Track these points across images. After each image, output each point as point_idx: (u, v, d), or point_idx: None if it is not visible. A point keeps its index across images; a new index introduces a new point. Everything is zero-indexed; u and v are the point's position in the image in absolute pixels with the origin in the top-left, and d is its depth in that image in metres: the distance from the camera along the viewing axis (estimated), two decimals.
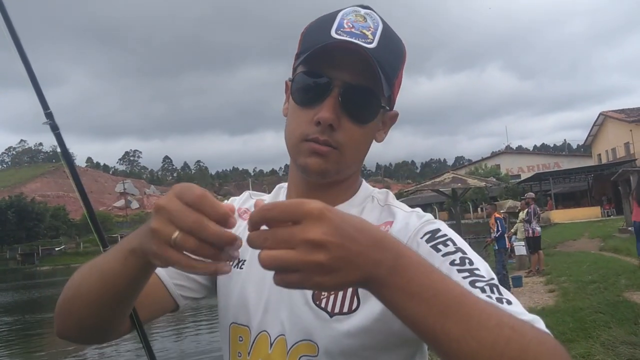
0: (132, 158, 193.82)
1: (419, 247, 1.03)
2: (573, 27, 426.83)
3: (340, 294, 1.07)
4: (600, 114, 56.12)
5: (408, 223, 1.11)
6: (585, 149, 64.10)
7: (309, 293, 1.09)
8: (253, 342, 1.13)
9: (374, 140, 1.17)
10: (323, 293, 1.08)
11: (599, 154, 59.03)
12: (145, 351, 1.12)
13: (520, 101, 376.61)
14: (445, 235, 1.04)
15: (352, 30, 1.05)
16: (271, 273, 1.13)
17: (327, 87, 1.05)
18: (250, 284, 1.16)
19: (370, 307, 1.03)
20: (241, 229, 1.23)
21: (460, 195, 19.80)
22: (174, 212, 0.75)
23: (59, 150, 0.96)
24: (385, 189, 1.25)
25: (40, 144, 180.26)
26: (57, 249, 72.75)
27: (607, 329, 7.34)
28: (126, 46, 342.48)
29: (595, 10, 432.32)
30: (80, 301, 1.01)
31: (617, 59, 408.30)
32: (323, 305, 1.07)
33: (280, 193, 1.29)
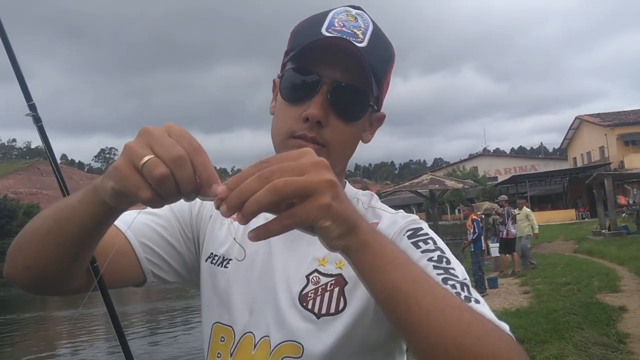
0: (107, 155, 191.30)
1: (401, 242, 1.05)
2: (547, 31, 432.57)
3: (327, 295, 1.08)
4: (577, 117, 56.88)
5: (395, 221, 1.12)
6: (561, 152, 64.97)
7: (295, 295, 1.09)
8: (237, 344, 1.12)
9: (360, 141, 1.17)
10: (310, 295, 1.08)
11: (575, 158, 59.80)
12: (110, 318, 1.05)
13: (496, 103, 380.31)
14: (426, 234, 1.07)
15: (343, 29, 1.06)
16: (258, 273, 1.14)
17: (316, 84, 1.05)
18: (235, 284, 1.15)
19: (357, 306, 1.05)
20: (225, 226, 1.22)
21: (438, 196, 19.99)
22: (159, 140, 0.71)
23: (41, 144, 0.94)
24: (369, 192, 1.26)
25: (14, 140, 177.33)
26: None
27: (579, 330, 7.44)
28: (96, 41, 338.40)
29: (567, 15, 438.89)
30: (32, 236, 0.95)
31: (591, 63, 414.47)
32: (310, 306, 1.08)
33: None
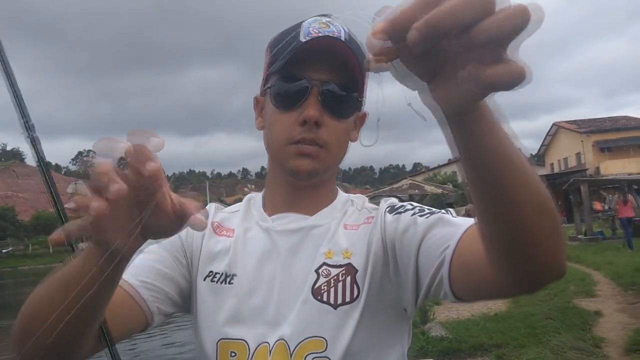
0: (85, 158, 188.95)
1: (385, 219, 1.12)
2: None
3: (340, 285, 1.10)
4: (554, 124, 57.60)
5: (378, 208, 1.19)
6: (538, 158, 65.71)
7: (308, 290, 1.10)
8: (252, 355, 1.09)
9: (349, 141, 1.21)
10: (323, 287, 1.10)
11: (552, 163, 60.47)
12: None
13: None
14: (402, 204, 1.16)
15: (319, 35, 1.09)
16: (266, 282, 1.13)
17: (307, 88, 1.09)
18: (244, 298, 1.13)
19: (370, 292, 1.09)
20: (220, 243, 1.21)
21: (417, 201, 20.04)
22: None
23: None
24: (361, 194, 1.31)
25: None
26: (4, 250, 70.01)
27: (556, 334, 7.51)
28: (64, 41, 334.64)
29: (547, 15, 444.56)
30: (43, 314, 0.79)
31: (565, 70, 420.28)
32: (325, 299, 1.09)
33: (250, 205, 1.27)
